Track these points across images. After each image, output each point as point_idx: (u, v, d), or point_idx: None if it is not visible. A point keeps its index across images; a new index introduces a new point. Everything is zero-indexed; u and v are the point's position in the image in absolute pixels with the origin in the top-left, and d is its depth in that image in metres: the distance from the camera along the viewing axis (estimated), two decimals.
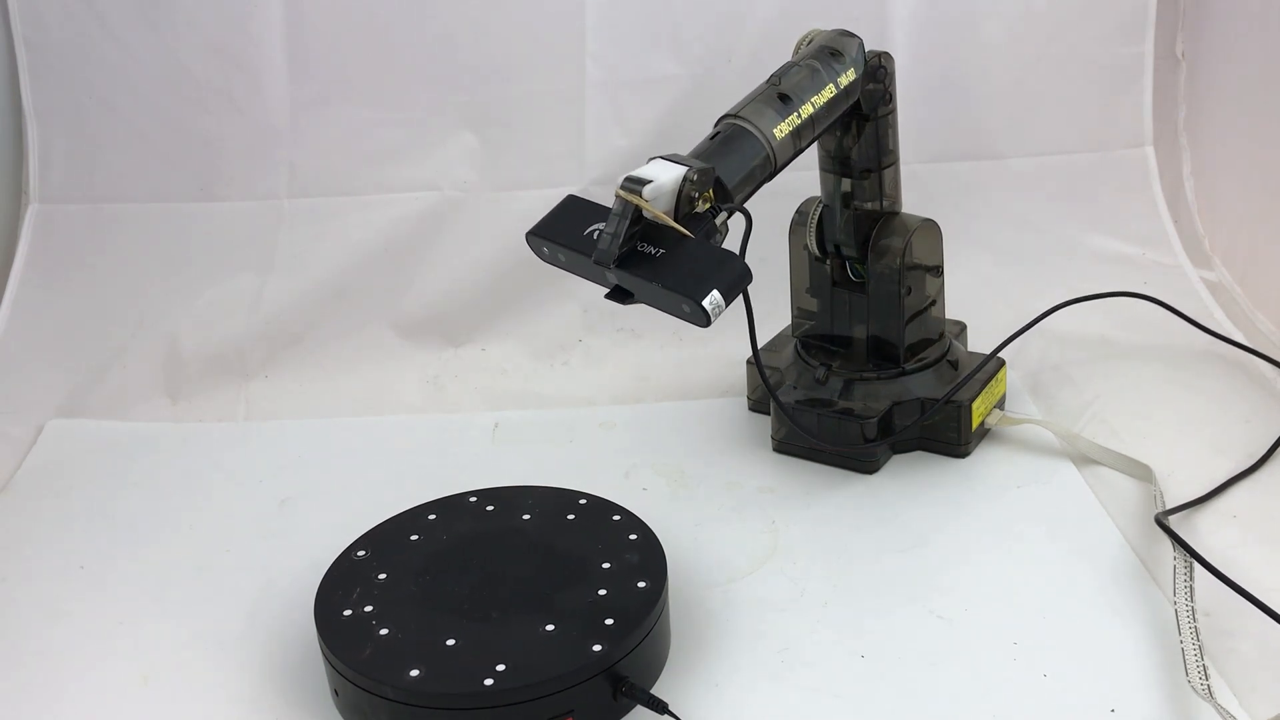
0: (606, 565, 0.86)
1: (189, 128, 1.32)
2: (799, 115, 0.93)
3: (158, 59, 1.31)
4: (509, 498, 0.95)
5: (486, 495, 0.95)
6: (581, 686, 0.77)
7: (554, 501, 0.94)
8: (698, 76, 1.32)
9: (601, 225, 0.84)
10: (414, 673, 0.77)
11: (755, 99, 0.93)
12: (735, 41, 1.32)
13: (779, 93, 0.93)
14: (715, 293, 0.80)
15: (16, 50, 1.32)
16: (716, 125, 0.93)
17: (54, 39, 1.31)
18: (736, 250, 0.84)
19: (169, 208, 1.33)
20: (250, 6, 1.30)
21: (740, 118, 0.92)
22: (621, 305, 0.86)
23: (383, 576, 0.86)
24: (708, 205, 0.85)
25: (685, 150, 0.90)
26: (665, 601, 0.85)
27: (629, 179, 0.83)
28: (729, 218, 0.87)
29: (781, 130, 0.92)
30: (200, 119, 1.32)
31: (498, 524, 0.92)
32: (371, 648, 0.79)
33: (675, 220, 0.83)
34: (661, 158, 0.85)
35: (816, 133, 0.96)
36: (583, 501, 0.93)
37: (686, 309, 0.81)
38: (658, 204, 0.82)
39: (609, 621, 0.80)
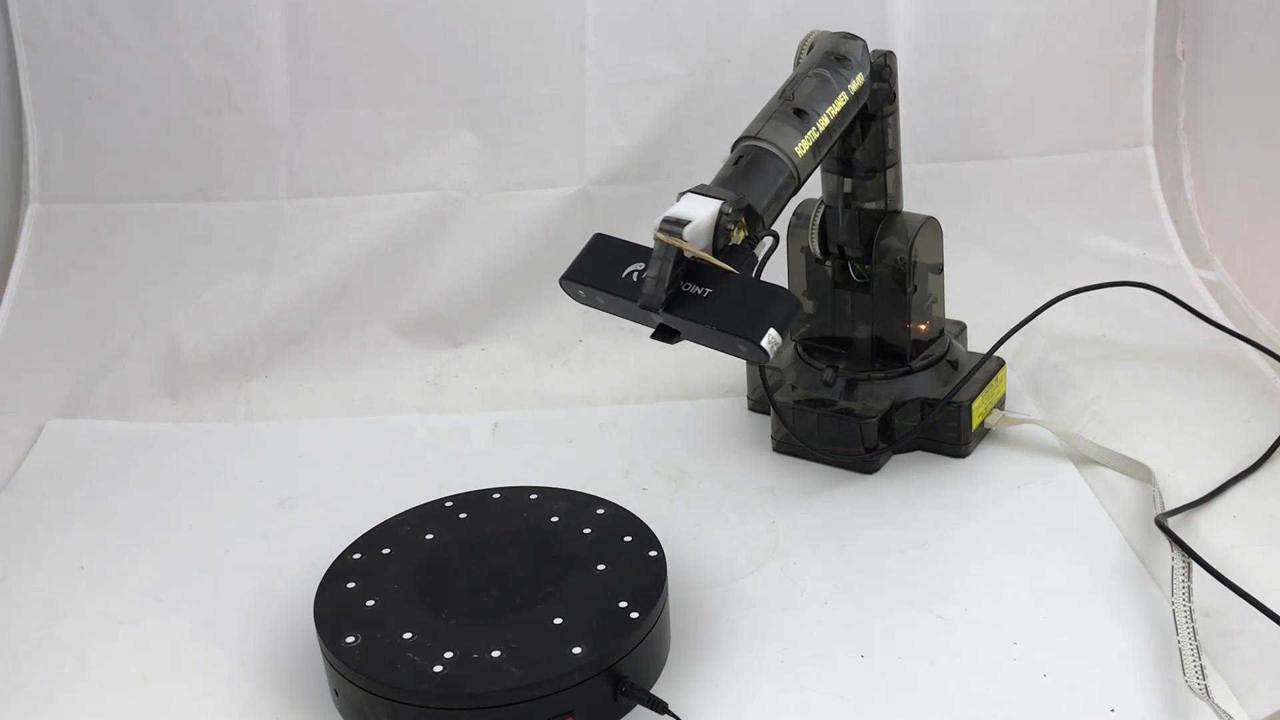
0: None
1: (189, 128, 1.32)
2: (816, 129, 0.92)
3: (158, 59, 1.31)
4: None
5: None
6: (581, 686, 0.77)
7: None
8: (697, 76, 1.32)
9: (638, 266, 0.84)
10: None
11: (771, 117, 0.92)
12: (735, 42, 1.32)
13: (794, 108, 0.92)
14: (772, 330, 0.81)
15: (16, 50, 1.32)
16: (735, 148, 0.91)
17: (54, 39, 1.32)
18: (757, 268, 0.84)
19: (169, 208, 1.33)
20: (250, 6, 1.30)
21: (760, 139, 0.90)
22: (669, 345, 0.85)
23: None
24: (743, 234, 0.85)
25: (702, 176, 0.90)
26: (665, 601, 0.85)
27: (667, 220, 0.82)
28: (760, 242, 0.87)
29: (802, 147, 0.91)
30: (200, 119, 1.32)
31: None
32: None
33: (714, 253, 0.83)
34: (692, 191, 0.85)
35: (833, 141, 0.95)
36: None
37: (744, 348, 0.82)
38: (697, 242, 0.82)
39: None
